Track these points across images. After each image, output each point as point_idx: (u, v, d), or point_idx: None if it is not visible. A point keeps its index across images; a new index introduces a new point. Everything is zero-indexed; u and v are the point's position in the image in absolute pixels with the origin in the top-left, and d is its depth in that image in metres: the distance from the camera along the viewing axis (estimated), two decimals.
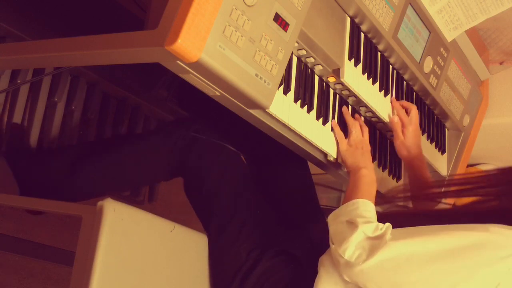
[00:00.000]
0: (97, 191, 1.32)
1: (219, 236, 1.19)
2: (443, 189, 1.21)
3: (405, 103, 1.37)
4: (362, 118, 1.36)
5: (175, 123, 1.30)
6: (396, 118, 1.34)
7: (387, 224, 0.95)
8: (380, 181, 1.41)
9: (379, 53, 1.32)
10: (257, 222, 1.20)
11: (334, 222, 1.02)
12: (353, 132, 1.21)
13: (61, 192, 1.31)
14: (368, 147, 1.22)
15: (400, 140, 1.33)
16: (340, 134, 1.21)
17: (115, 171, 1.31)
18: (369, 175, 1.13)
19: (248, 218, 1.19)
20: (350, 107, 1.32)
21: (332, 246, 0.97)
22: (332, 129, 1.23)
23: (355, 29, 1.23)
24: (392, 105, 1.36)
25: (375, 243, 0.91)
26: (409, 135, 1.33)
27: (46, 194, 1.32)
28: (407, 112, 1.35)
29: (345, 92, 1.28)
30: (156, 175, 1.34)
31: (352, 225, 0.96)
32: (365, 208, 1.02)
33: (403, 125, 1.34)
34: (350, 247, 0.93)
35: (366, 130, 1.24)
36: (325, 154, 1.23)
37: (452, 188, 1.13)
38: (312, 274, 1.08)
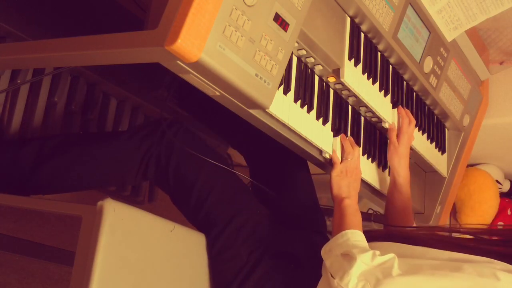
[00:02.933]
0: (60, 187, 1.26)
1: (217, 240, 1.18)
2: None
3: (409, 114, 1.38)
4: (362, 118, 1.37)
5: (151, 125, 1.23)
6: (392, 125, 1.35)
7: (392, 254, 0.94)
8: (380, 181, 1.41)
9: (379, 53, 1.32)
10: (255, 223, 1.19)
11: (329, 255, 1.02)
12: (349, 159, 1.22)
13: (23, 183, 1.24)
14: (359, 175, 1.24)
15: (394, 145, 1.35)
16: (336, 158, 1.22)
17: (82, 169, 1.23)
18: (352, 205, 1.15)
19: (246, 220, 1.19)
20: (350, 107, 1.32)
21: (334, 281, 0.96)
22: (334, 135, 1.24)
23: (355, 29, 1.23)
24: (398, 111, 1.37)
25: (378, 274, 0.90)
26: (403, 143, 1.34)
27: (6, 183, 1.25)
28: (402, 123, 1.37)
29: (345, 92, 1.28)
30: (124, 179, 1.25)
31: (348, 257, 0.96)
32: (355, 238, 1.04)
33: (399, 132, 1.35)
34: (353, 279, 0.92)
35: (359, 156, 1.25)
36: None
37: (494, 237, 1.08)
38: (312, 274, 1.08)
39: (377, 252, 0.95)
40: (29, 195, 1.28)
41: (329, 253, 1.02)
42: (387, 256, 0.93)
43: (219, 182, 1.19)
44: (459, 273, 0.86)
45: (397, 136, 1.35)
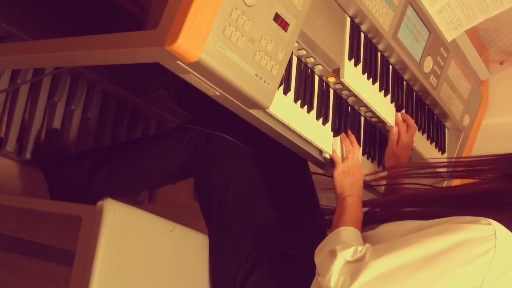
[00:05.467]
0: (115, 195, 1.35)
1: (221, 234, 1.19)
2: (448, 169, 1.24)
3: (409, 119, 1.40)
4: (362, 118, 1.37)
5: (190, 123, 1.32)
6: (395, 130, 1.37)
7: (367, 245, 0.96)
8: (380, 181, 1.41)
9: (379, 53, 1.32)
10: (259, 222, 1.20)
11: (319, 254, 1.03)
12: (349, 158, 1.22)
13: (82, 197, 1.34)
14: (361, 173, 1.24)
15: (392, 149, 1.36)
16: (338, 158, 1.22)
17: (132, 176, 1.34)
18: (354, 203, 1.15)
19: (249, 219, 1.19)
20: (350, 107, 1.32)
21: (318, 278, 0.98)
22: (334, 135, 1.25)
23: (355, 29, 1.23)
24: (400, 116, 1.38)
25: (355, 267, 0.93)
26: (402, 148, 1.36)
27: (70, 195, 1.37)
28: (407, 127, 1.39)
29: (345, 92, 1.28)
30: (171, 177, 1.36)
31: (332, 253, 0.98)
32: (346, 234, 1.05)
33: (399, 137, 1.37)
34: (334, 275, 0.94)
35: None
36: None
37: (459, 169, 1.15)
38: (311, 274, 1.08)
39: (359, 248, 0.96)
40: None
41: (321, 251, 1.04)
42: (364, 248, 0.96)
43: (234, 182, 1.22)
44: (426, 239, 0.90)
45: (397, 141, 1.37)
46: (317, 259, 1.02)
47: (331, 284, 0.94)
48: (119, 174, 1.34)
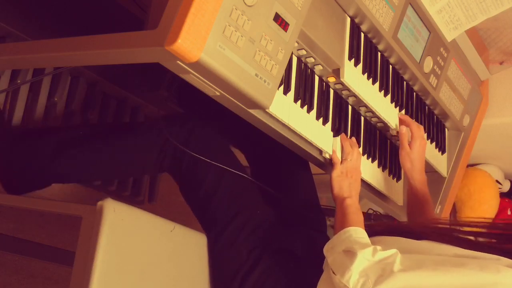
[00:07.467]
0: (77, 178, 1.32)
1: (219, 236, 1.19)
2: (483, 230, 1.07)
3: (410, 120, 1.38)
4: (362, 118, 1.37)
5: (169, 120, 1.27)
6: (404, 129, 1.34)
7: (394, 250, 0.93)
8: (381, 181, 1.41)
9: (379, 53, 1.32)
10: (257, 221, 1.20)
11: (331, 252, 1.02)
12: (348, 159, 1.21)
13: (41, 175, 1.28)
14: (359, 175, 1.23)
15: (406, 151, 1.33)
16: (337, 159, 1.22)
17: (100, 162, 1.27)
18: (353, 204, 1.15)
19: (248, 218, 1.19)
20: (350, 107, 1.32)
21: (335, 277, 0.96)
22: (334, 135, 1.24)
23: (355, 29, 1.23)
24: (403, 119, 1.37)
25: (378, 270, 0.90)
26: (416, 149, 1.33)
27: (26, 176, 1.29)
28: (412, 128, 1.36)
29: (345, 92, 1.28)
30: (143, 170, 1.32)
31: (350, 253, 0.96)
32: (357, 235, 1.03)
33: (411, 137, 1.34)
34: (354, 275, 0.92)
35: (360, 157, 1.25)
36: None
37: (495, 231, 1.04)
38: (311, 272, 1.08)
39: (378, 247, 0.94)
40: (49, 184, 1.32)
41: (332, 250, 1.02)
42: (389, 251, 0.93)
43: (226, 180, 1.21)
44: (461, 269, 0.86)
45: (409, 143, 1.34)
46: (330, 259, 1.01)
47: (350, 284, 0.91)
48: (87, 160, 1.26)
